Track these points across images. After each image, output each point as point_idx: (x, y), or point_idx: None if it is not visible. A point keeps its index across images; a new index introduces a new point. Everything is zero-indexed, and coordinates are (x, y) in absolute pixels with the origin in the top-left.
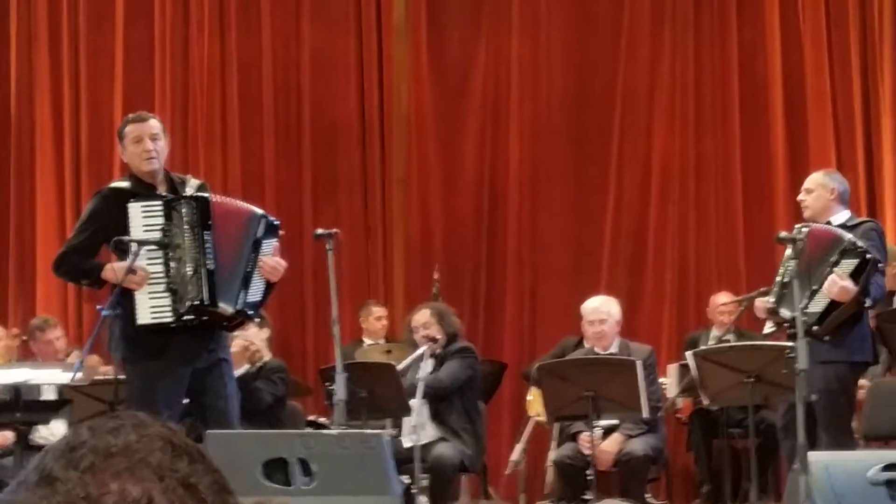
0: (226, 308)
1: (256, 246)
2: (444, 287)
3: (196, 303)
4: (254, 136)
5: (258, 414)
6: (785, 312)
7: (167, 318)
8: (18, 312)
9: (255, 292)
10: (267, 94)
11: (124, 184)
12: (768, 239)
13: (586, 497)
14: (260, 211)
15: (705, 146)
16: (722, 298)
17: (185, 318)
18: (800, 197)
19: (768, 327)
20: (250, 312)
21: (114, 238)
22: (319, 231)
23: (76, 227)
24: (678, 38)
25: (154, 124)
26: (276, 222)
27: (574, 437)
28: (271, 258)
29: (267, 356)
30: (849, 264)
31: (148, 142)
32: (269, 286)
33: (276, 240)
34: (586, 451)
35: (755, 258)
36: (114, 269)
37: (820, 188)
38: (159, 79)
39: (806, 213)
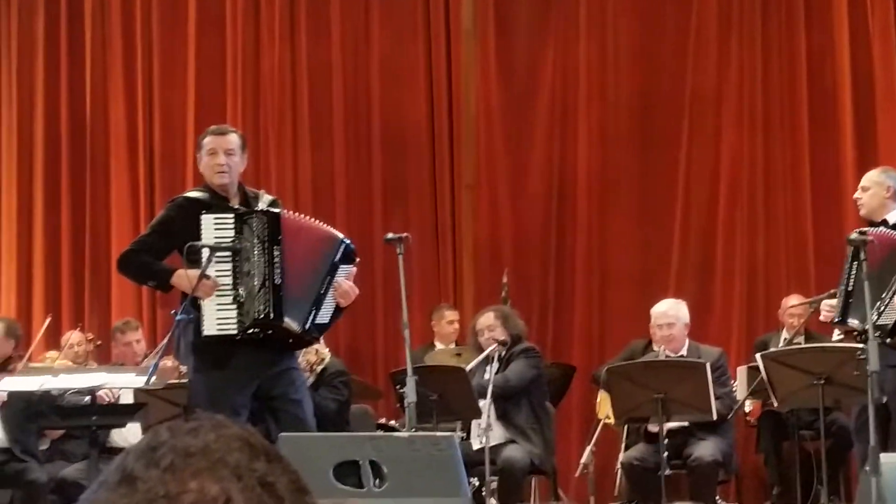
0: (290, 323)
1: (333, 270)
2: (513, 291)
3: (261, 317)
4: (324, 141)
5: (325, 422)
6: (853, 322)
7: (232, 330)
8: (94, 317)
9: (325, 315)
10: (337, 100)
11: (199, 194)
12: (838, 241)
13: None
14: (340, 235)
15: (774, 149)
16: (792, 301)
17: (250, 331)
18: (856, 195)
19: (836, 334)
20: (315, 334)
21: (186, 244)
22: (390, 235)
23: (147, 229)
24: (745, 41)
25: (232, 139)
26: (354, 249)
27: (648, 436)
28: (346, 282)
29: (326, 356)
30: None
31: (222, 156)
32: (338, 310)
33: (352, 266)
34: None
35: (825, 261)
36: (185, 276)
37: (876, 186)
38: (231, 85)
39: (862, 211)
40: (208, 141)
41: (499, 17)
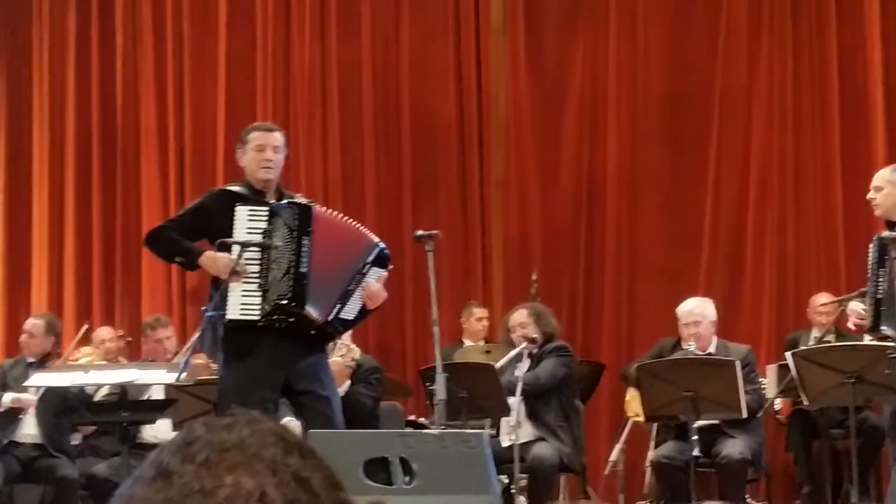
0: (311, 312)
1: (364, 271)
2: (542, 288)
3: (282, 302)
4: (353, 138)
5: (361, 419)
6: (886, 330)
7: (255, 315)
8: (124, 314)
9: (350, 311)
10: (367, 97)
11: (236, 188)
12: (868, 238)
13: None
14: (377, 240)
15: (804, 146)
16: (821, 299)
17: (272, 317)
18: (869, 195)
19: (867, 339)
20: (339, 328)
21: (216, 237)
22: (419, 232)
23: (181, 211)
24: (776, 37)
25: (278, 137)
26: (389, 255)
27: (678, 431)
28: (376, 284)
29: (356, 353)
30: None
31: (270, 152)
32: (364, 312)
33: (384, 271)
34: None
35: (855, 258)
36: (214, 259)
37: (889, 185)
38: (261, 82)
39: (877, 212)
40: (256, 136)
41: (528, 13)
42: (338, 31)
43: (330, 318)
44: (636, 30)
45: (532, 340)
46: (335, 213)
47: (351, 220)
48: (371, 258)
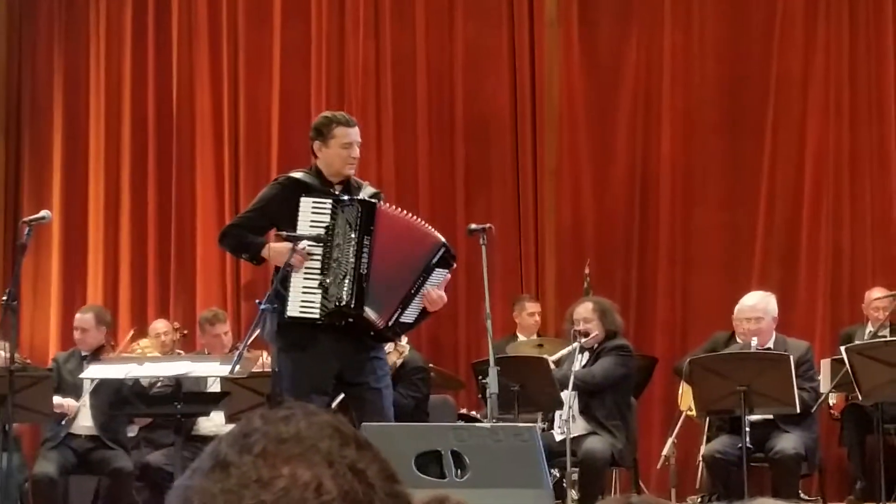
0: (370, 314)
1: (427, 272)
2: (595, 280)
3: (342, 304)
4: (407, 131)
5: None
6: None
7: (314, 313)
8: (179, 306)
9: (410, 315)
10: (421, 90)
11: (304, 176)
12: None
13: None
14: (442, 239)
15: (860, 136)
16: (876, 293)
17: (331, 317)
18: None
19: None
20: (399, 331)
21: (278, 229)
22: (473, 226)
23: (249, 206)
24: (832, 27)
25: (358, 131)
26: (453, 254)
27: (733, 428)
28: (436, 291)
29: (405, 349)
30: None
31: (356, 149)
32: (424, 314)
33: (447, 272)
34: None
35: None
36: (276, 248)
37: None
38: (315, 76)
39: None
40: (342, 132)
41: (582, 3)
42: (392, 24)
43: (390, 322)
44: (691, 18)
45: (584, 334)
46: (400, 210)
47: (416, 217)
48: (435, 260)
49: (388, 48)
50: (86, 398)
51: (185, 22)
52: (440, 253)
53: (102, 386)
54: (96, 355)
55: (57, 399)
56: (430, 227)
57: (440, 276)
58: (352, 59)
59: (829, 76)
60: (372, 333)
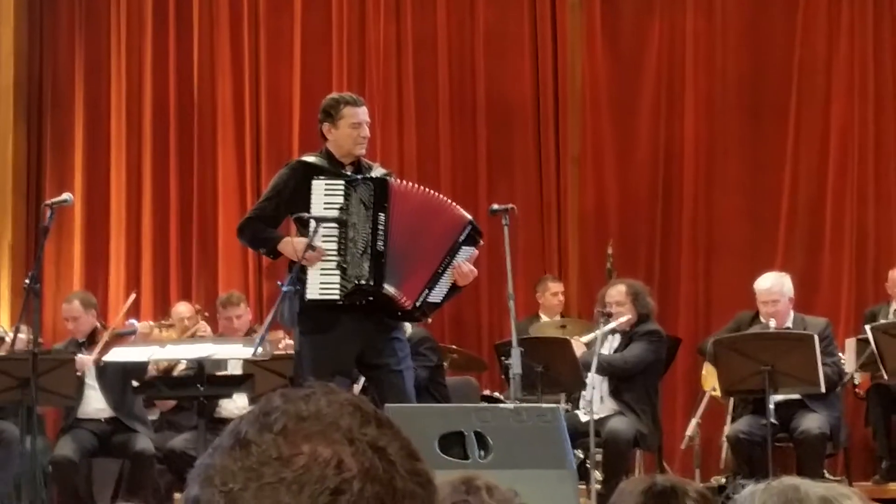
0: (389, 290)
1: (455, 250)
2: (618, 262)
3: (361, 283)
4: (429, 114)
5: (419, 391)
6: None
7: (334, 295)
8: (201, 289)
9: (437, 294)
10: (442, 73)
11: (314, 159)
12: None
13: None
14: (469, 217)
15: (885, 119)
16: None
17: (352, 296)
18: None
19: None
20: (427, 312)
21: (295, 212)
22: (495, 206)
23: (263, 195)
24: (856, 9)
25: (366, 110)
26: (480, 231)
27: (757, 408)
28: (466, 264)
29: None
30: None
31: (366, 128)
32: (452, 290)
33: (475, 249)
34: None
35: None
36: (291, 244)
37: None
38: (336, 60)
39: None
40: (351, 112)
41: None
42: (413, 8)
43: (418, 303)
44: (714, 1)
45: (609, 315)
46: (416, 185)
47: (434, 192)
48: (462, 237)
49: (409, 32)
50: (95, 383)
51: (206, 8)
52: (467, 230)
53: (108, 368)
54: (92, 339)
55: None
56: (454, 204)
57: (467, 253)
58: (373, 44)
59: (853, 58)
60: (399, 314)
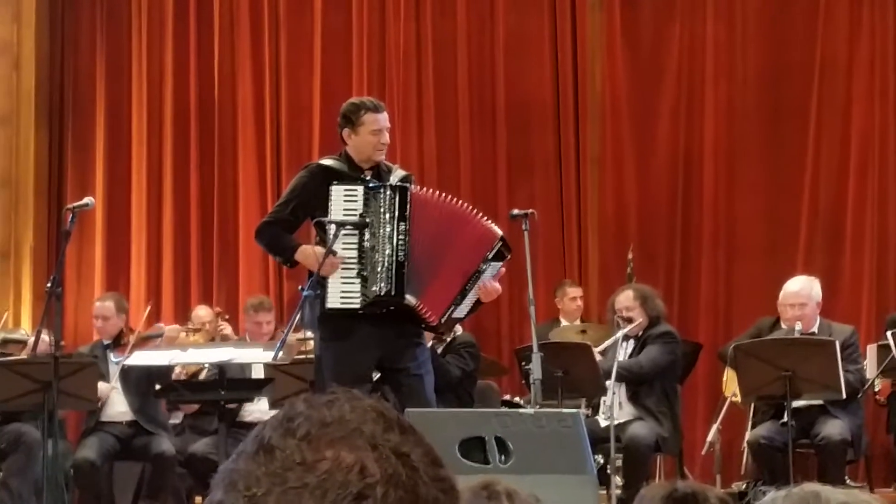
0: (410, 300)
1: (483, 268)
2: (639, 266)
3: (382, 294)
4: (449, 116)
5: (447, 388)
6: None
7: (355, 304)
8: (222, 292)
9: (462, 310)
10: (462, 75)
11: (333, 163)
12: None
13: None
14: (499, 232)
15: None
16: None
17: (372, 307)
18: None
19: None
20: (450, 327)
21: (313, 216)
22: (515, 211)
23: (281, 198)
24: (877, 11)
25: (387, 116)
26: (510, 248)
27: (778, 414)
28: (492, 283)
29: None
30: None
31: (386, 134)
32: (476, 305)
33: (502, 266)
34: None
35: None
36: (311, 253)
37: None
38: (356, 62)
39: None
40: (371, 118)
41: None
42: (433, 9)
43: (443, 319)
44: (734, 3)
45: (628, 320)
46: (437, 193)
47: (457, 200)
48: (492, 254)
49: (429, 34)
50: (116, 383)
51: (227, 9)
52: (497, 247)
53: (132, 371)
54: (117, 342)
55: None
56: (480, 216)
57: (494, 269)
58: (393, 45)
59: (874, 61)
60: (423, 326)
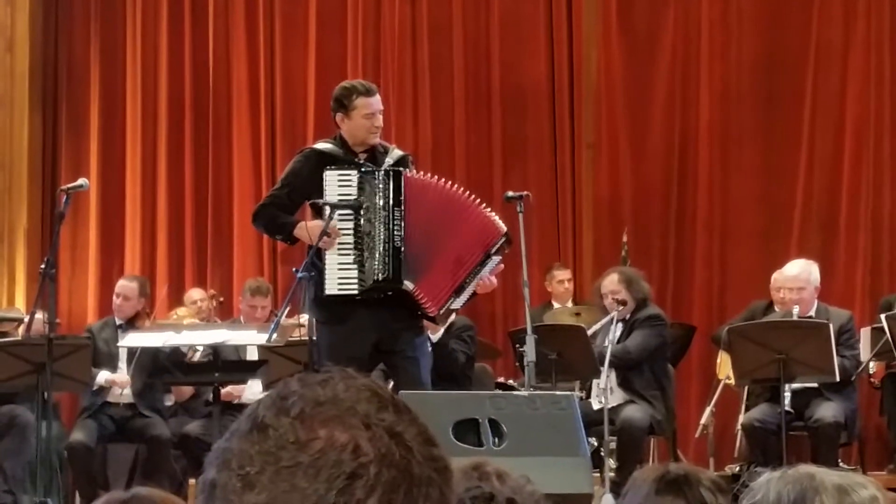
0: (408, 286)
1: (484, 260)
2: (633, 250)
3: (380, 279)
4: (444, 99)
5: (453, 374)
6: None
7: (352, 290)
8: (216, 274)
9: (460, 301)
10: (457, 59)
11: (327, 147)
12: None
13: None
14: (504, 228)
15: None
16: None
17: (370, 292)
18: None
19: None
20: (447, 317)
21: (309, 199)
22: (510, 193)
23: (277, 183)
24: None
25: (380, 98)
26: (511, 242)
27: (772, 397)
28: (490, 278)
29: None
30: None
31: (379, 117)
32: (471, 296)
33: (500, 258)
34: None
35: None
36: (306, 228)
37: None
38: (351, 45)
39: None
40: (364, 102)
41: None
42: None
43: (441, 311)
44: None
45: (622, 303)
46: (433, 177)
47: (454, 185)
48: (494, 249)
49: (424, 17)
50: (125, 367)
51: None
52: (500, 242)
53: (140, 354)
54: (132, 324)
55: (108, 375)
56: (481, 205)
57: (494, 263)
58: (388, 29)
59: (869, 44)
60: (419, 313)
